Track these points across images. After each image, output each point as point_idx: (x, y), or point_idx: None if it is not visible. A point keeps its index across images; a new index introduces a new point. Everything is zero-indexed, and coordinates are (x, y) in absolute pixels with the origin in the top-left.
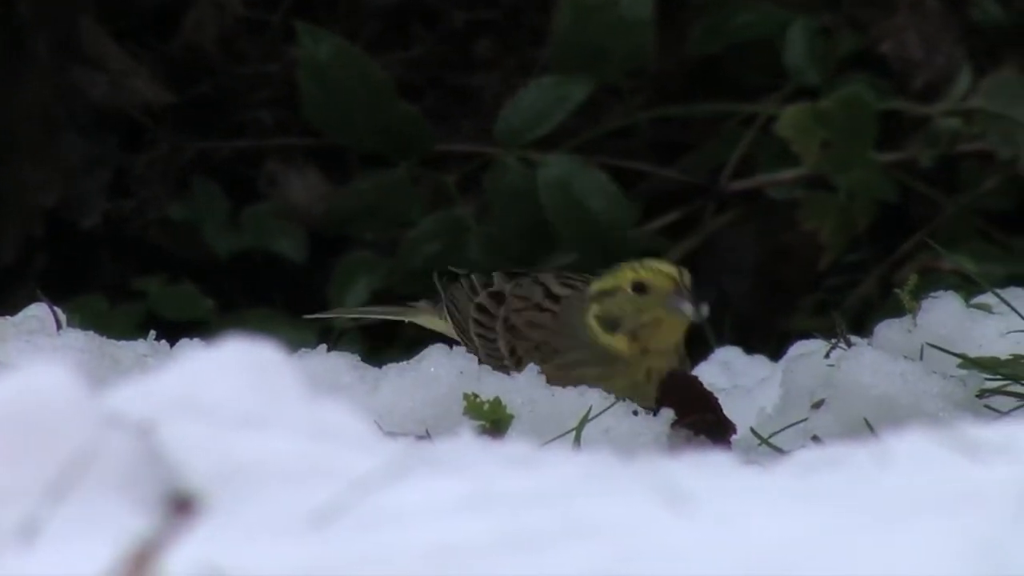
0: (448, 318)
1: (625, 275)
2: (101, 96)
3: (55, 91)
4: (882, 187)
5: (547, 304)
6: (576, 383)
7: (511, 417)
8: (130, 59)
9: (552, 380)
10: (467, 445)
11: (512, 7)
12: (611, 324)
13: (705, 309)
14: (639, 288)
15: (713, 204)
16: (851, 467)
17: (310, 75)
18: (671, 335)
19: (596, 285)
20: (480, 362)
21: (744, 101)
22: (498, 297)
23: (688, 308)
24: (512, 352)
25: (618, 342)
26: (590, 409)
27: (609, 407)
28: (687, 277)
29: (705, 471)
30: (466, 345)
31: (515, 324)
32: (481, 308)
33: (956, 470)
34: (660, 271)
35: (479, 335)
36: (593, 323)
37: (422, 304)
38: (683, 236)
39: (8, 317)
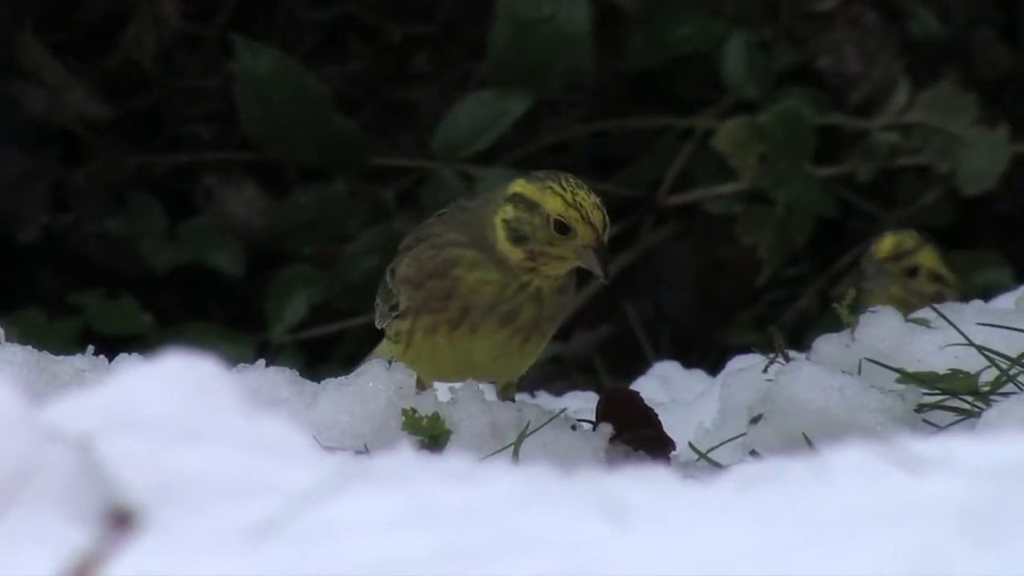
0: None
1: (553, 202)
2: (39, 110)
3: None
4: (820, 201)
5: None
6: (444, 265)
7: (449, 432)
8: (68, 73)
9: (420, 259)
10: (406, 460)
11: (449, 21)
12: (516, 235)
13: (610, 273)
14: (560, 227)
15: (651, 218)
16: (790, 482)
17: (248, 89)
18: (568, 272)
19: (518, 186)
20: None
21: (682, 115)
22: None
23: (598, 269)
24: (392, 272)
25: (513, 253)
26: (528, 424)
27: (548, 421)
28: (606, 232)
29: (644, 485)
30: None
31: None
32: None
33: (895, 485)
34: (588, 220)
35: (379, 292)
36: (498, 224)
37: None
38: (621, 250)
39: None
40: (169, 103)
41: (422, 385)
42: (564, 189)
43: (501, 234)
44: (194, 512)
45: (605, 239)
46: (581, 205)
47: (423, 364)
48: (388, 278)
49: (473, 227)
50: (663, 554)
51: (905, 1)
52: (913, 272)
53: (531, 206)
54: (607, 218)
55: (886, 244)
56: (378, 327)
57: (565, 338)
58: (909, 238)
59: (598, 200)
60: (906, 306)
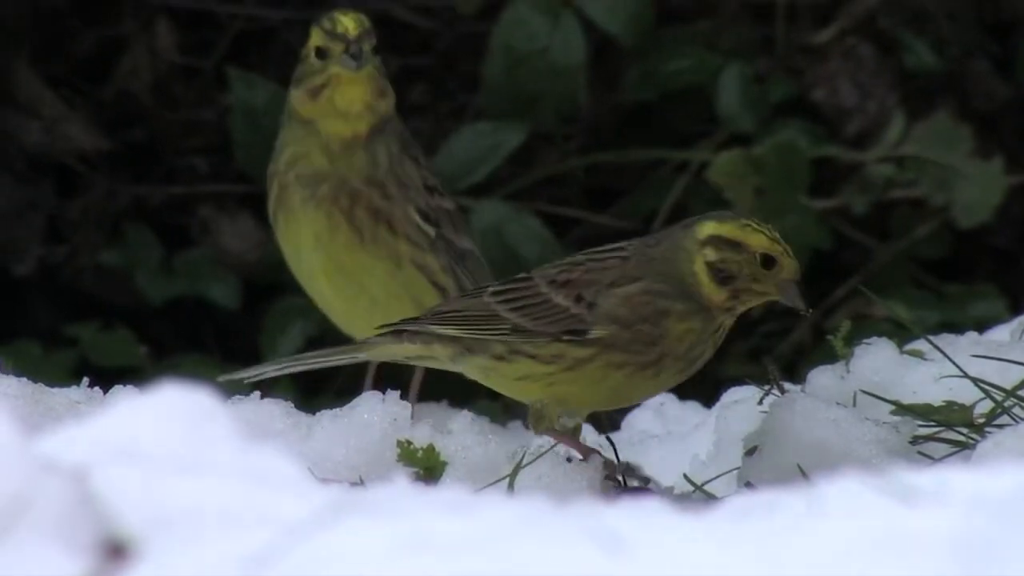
0: (437, 332)
1: (757, 239)
2: (34, 142)
3: None
4: (815, 234)
5: (596, 257)
6: (656, 314)
7: (445, 464)
8: (64, 105)
9: (633, 303)
10: (401, 491)
11: (445, 54)
12: (721, 276)
13: (810, 308)
14: (768, 262)
15: None
16: (785, 514)
17: (244, 121)
18: (757, 306)
19: (711, 228)
20: (523, 331)
21: (677, 148)
22: (515, 282)
23: (800, 302)
24: (579, 299)
25: (717, 294)
26: (524, 455)
27: (543, 453)
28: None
29: (640, 517)
30: (476, 337)
31: (571, 278)
32: (500, 292)
33: (890, 517)
34: (791, 255)
35: (516, 308)
36: (699, 269)
37: (373, 339)
38: None
39: None
40: (165, 135)
41: (550, 413)
42: (761, 227)
43: (704, 278)
44: (189, 543)
45: (798, 273)
46: (782, 241)
47: (567, 388)
48: (560, 299)
49: (671, 278)
50: None
51: (900, 33)
52: None
53: (734, 246)
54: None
55: None
56: (497, 340)
57: None
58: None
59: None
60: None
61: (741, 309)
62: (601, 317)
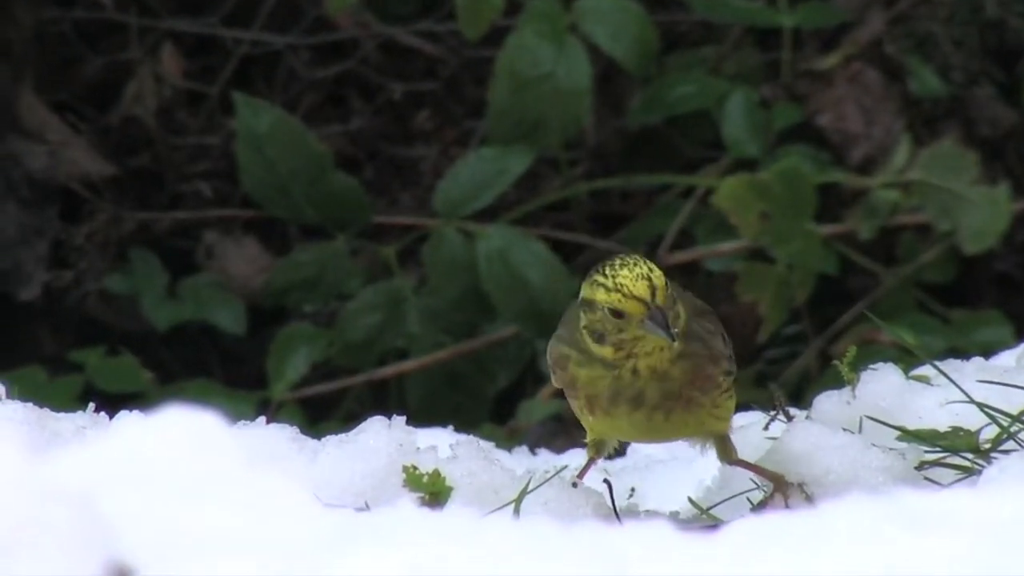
0: None
1: (599, 294)
2: (40, 168)
3: None
4: (821, 259)
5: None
6: (561, 359)
7: (450, 489)
8: (69, 130)
9: (551, 352)
10: (408, 516)
11: (450, 79)
12: (595, 336)
13: (677, 331)
14: (616, 314)
15: None
16: (792, 539)
17: (249, 147)
18: (657, 342)
19: (584, 290)
20: None
21: (683, 173)
22: None
23: (661, 334)
24: None
25: (605, 351)
26: (529, 481)
27: (549, 479)
28: (660, 295)
29: (646, 542)
30: None
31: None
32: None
33: (896, 542)
34: (630, 295)
35: None
36: (583, 332)
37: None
38: None
39: None
40: (170, 160)
41: (600, 445)
42: (606, 276)
43: (587, 340)
44: (195, 569)
45: (657, 303)
46: (621, 286)
47: (600, 432)
48: None
49: (571, 327)
50: None
51: (905, 59)
52: None
53: (591, 306)
54: (655, 282)
55: None
56: None
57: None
58: None
59: (643, 270)
60: None
61: (644, 354)
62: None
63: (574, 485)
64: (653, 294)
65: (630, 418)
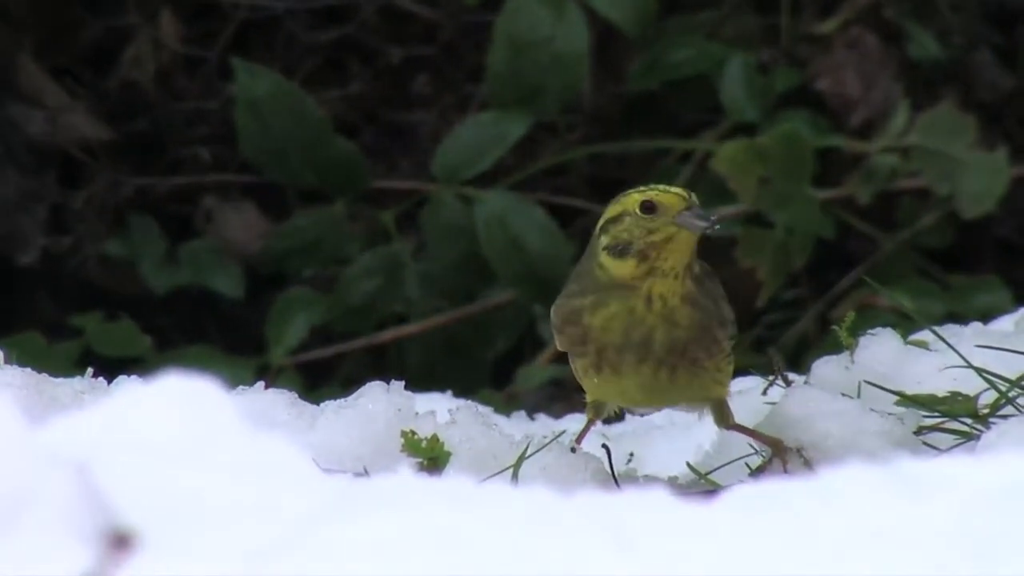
0: None
1: (632, 199)
2: (38, 132)
3: None
4: (820, 224)
5: None
6: (573, 314)
7: (449, 454)
8: (67, 96)
9: (558, 312)
10: (405, 482)
11: (448, 44)
12: (620, 250)
13: (716, 222)
14: (648, 208)
15: None
16: (790, 505)
17: (247, 112)
18: (682, 254)
19: (603, 217)
20: None
21: (681, 137)
22: None
23: (700, 223)
24: None
25: (626, 267)
26: (528, 446)
27: (547, 444)
28: (695, 197)
29: (645, 507)
30: None
31: None
32: None
33: (895, 507)
34: (668, 191)
35: None
36: (602, 256)
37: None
38: None
39: None
40: (168, 125)
41: (599, 408)
42: (636, 189)
43: (608, 262)
44: (194, 535)
45: (694, 200)
46: (656, 187)
47: (603, 394)
48: None
49: (584, 276)
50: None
51: (904, 23)
52: None
53: (617, 219)
54: (687, 189)
55: None
56: None
57: (566, 360)
58: None
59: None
60: None
61: (665, 266)
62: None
63: (572, 450)
64: (689, 193)
65: (637, 373)
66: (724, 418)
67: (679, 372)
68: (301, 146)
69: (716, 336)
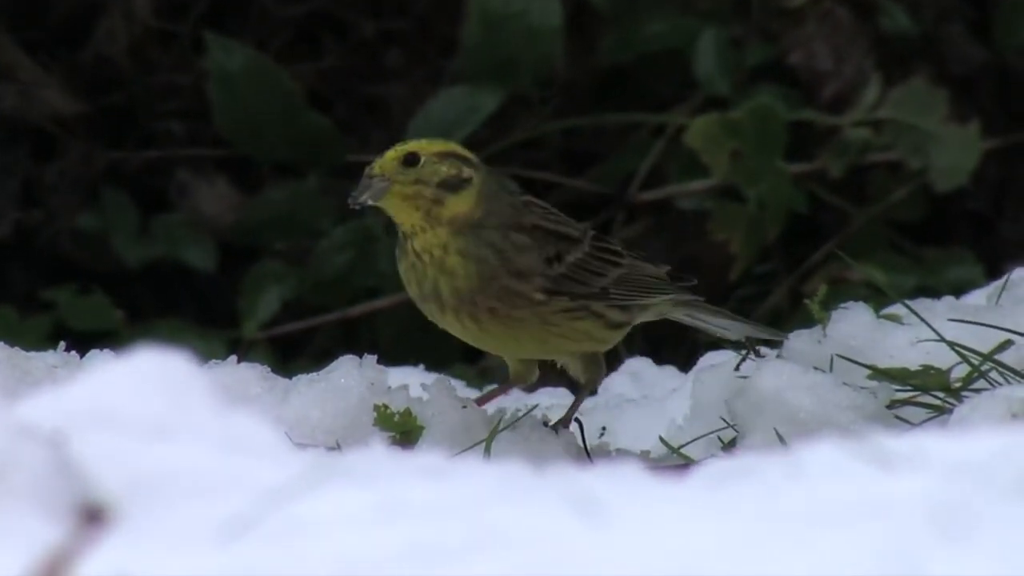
0: None
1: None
2: (10, 106)
3: None
4: (792, 197)
5: None
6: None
7: (422, 428)
8: (40, 69)
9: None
10: (378, 456)
11: (422, 17)
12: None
13: (365, 199)
14: (411, 160)
15: (623, 214)
16: (762, 478)
17: (220, 85)
18: (398, 214)
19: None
20: None
21: (654, 111)
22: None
23: (354, 194)
24: None
25: (402, 216)
26: (500, 420)
27: (520, 418)
28: (376, 166)
29: (617, 481)
30: None
31: None
32: None
33: (867, 481)
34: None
35: None
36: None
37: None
38: None
39: None
40: (141, 99)
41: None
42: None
43: (396, 214)
44: (166, 508)
45: (372, 170)
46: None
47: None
48: None
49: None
50: (636, 550)
51: None
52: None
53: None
54: (398, 153)
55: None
56: None
57: None
58: None
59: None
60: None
61: (437, 209)
62: None
63: (545, 424)
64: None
65: (452, 327)
66: (585, 373)
67: (484, 322)
68: (274, 120)
69: (513, 288)
